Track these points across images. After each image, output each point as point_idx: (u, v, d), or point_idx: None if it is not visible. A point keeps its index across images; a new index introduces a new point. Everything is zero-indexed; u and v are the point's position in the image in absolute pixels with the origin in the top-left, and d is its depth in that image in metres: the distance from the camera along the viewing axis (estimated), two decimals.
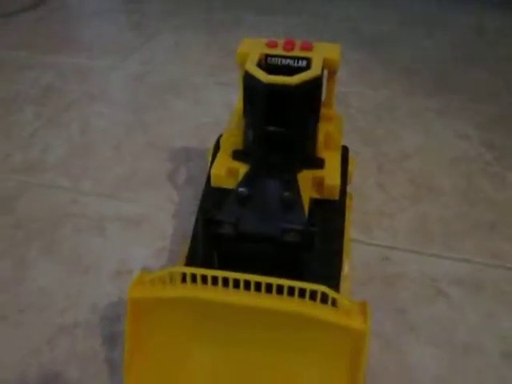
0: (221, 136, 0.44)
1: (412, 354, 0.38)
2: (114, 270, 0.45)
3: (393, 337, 0.40)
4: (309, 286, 0.29)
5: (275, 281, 0.29)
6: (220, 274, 0.30)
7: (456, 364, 0.38)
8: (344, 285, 0.41)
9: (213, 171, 0.41)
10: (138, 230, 0.50)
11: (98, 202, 0.54)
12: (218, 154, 0.43)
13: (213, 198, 0.40)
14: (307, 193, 0.39)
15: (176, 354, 0.33)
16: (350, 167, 0.45)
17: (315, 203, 0.40)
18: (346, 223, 0.41)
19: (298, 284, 0.29)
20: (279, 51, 0.39)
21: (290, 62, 0.38)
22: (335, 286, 0.34)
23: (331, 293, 0.29)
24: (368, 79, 0.82)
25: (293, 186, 0.36)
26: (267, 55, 0.38)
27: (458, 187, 0.57)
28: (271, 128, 0.36)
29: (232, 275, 0.30)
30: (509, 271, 0.46)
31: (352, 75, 0.83)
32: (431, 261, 0.47)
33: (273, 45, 0.40)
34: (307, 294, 0.29)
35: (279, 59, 0.38)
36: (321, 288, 0.29)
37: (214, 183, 0.41)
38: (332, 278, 0.35)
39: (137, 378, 0.33)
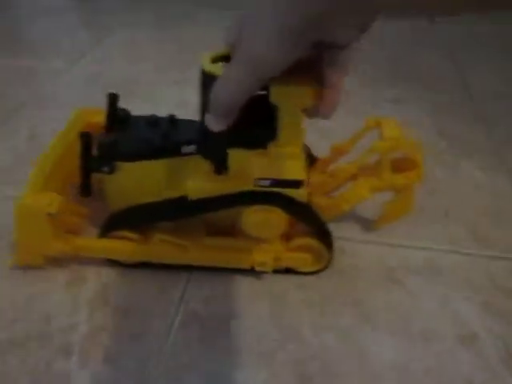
0: None
1: (370, 344, 0.39)
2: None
3: (350, 328, 0.40)
4: None
5: None
6: None
7: (414, 351, 0.38)
8: None
9: None
10: None
11: None
12: None
13: None
14: None
15: None
16: None
17: None
18: None
19: None
20: None
21: None
22: None
23: None
24: None
25: None
26: None
27: None
28: None
29: None
30: (463, 256, 0.47)
31: None
32: (388, 250, 0.47)
33: None
34: None
35: None
36: None
37: None
38: None
39: None
